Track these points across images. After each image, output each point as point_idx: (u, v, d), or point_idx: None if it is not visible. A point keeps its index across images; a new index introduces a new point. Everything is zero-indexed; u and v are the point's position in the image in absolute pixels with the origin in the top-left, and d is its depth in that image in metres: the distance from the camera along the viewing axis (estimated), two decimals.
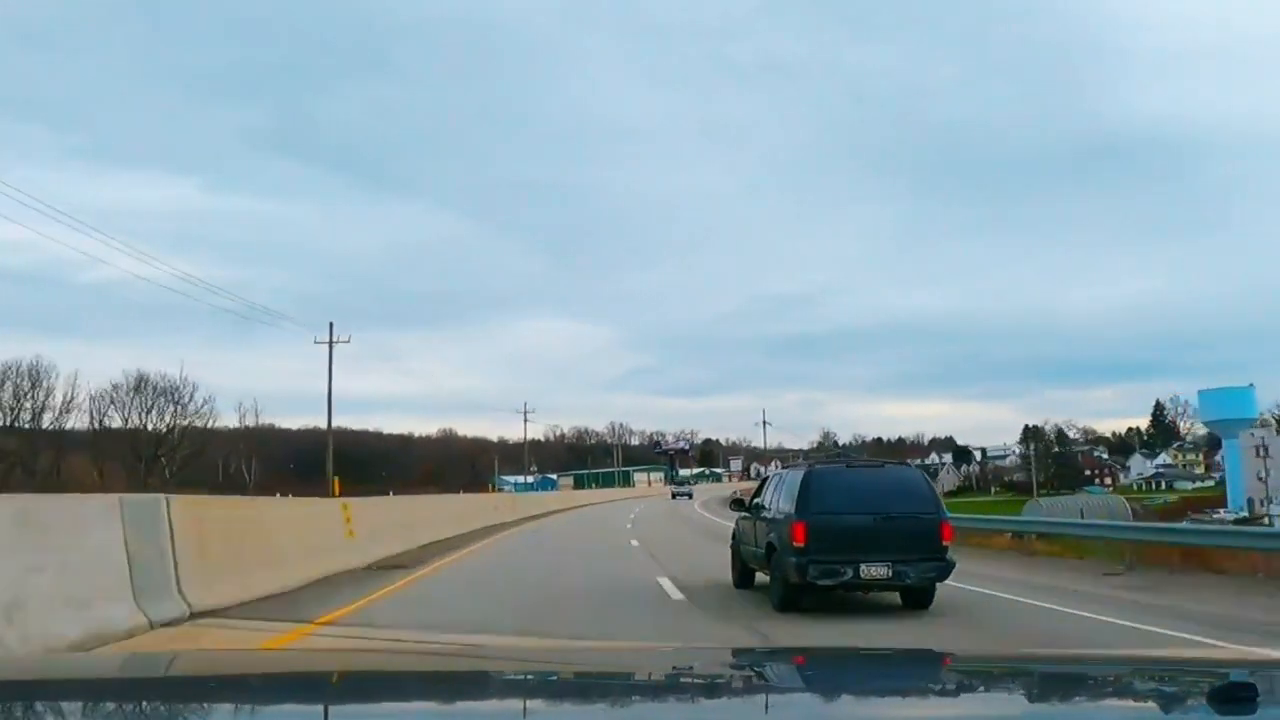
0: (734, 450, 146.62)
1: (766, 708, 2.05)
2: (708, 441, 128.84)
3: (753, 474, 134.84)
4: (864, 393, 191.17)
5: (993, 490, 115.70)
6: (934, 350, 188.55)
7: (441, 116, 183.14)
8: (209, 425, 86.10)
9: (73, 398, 77.97)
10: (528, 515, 41.82)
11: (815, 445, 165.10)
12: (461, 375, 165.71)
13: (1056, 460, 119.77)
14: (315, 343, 50.79)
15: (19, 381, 75.42)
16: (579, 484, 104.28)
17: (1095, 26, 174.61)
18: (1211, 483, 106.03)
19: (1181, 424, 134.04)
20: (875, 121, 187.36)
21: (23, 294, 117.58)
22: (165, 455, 78.25)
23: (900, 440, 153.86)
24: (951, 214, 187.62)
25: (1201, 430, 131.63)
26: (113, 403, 79.69)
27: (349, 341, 51.44)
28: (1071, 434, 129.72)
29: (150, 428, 78.90)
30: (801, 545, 11.34)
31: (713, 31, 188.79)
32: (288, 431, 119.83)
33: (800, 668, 2.62)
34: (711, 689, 2.27)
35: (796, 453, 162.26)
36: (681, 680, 2.35)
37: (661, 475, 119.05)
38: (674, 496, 74.79)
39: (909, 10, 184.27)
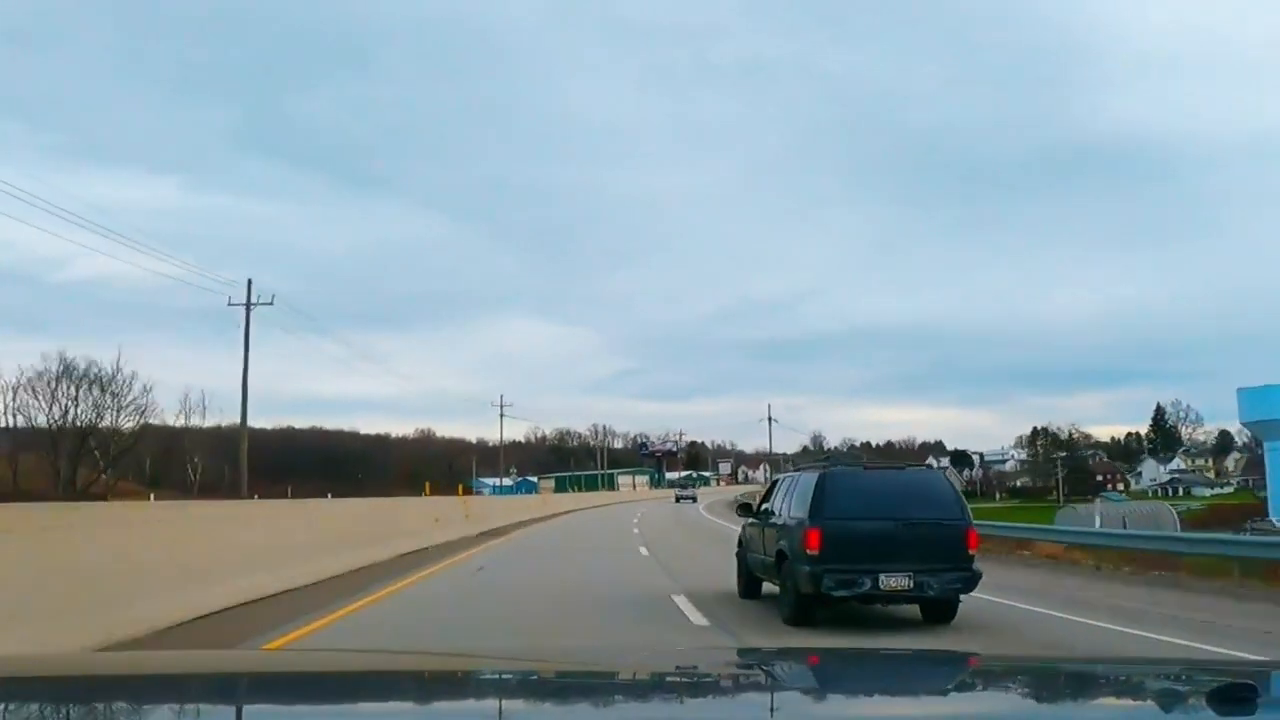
0: (722, 453, 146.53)
1: (772, 709, 2.04)
2: (693, 444, 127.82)
3: (740, 478, 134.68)
4: (844, 397, 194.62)
5: (998, 496, 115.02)
6: (913, 355, 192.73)
7: (423, 116, 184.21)
8: (177, 424, 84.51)
9: None
10: (491, 528, 31.22)
11: (802, 449, 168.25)
12: (441, 376, 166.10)
13: (1066, 465, 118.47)
14: (229, 304, 42.52)
15: None
16: (560, 487, 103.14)
17: (1075, 32, 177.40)
18: (1231, 488, 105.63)
19: (1183, 429, 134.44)
20: (855, 125, 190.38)
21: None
22: (99, 451, 71.73)
23: (890, 444, 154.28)
24: (931, 219, 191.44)
25: (1204, 435, 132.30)
26: (35, 393, 72.45)
27: (271, 303, 43.03)
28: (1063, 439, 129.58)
29: (81, 422, 71.68)
30: (815, 553, 10.73)
31: (694, 33, 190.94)
32: (261, 431, 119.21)
33: (815, 667, 2.67)
34: (725, 688, 2.33)
35: (784, 457, 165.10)
36: (693, 680, 2.38)
37: (647, 478, 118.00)
38: (678, 500, 74.10)
39: (889, 15, 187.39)
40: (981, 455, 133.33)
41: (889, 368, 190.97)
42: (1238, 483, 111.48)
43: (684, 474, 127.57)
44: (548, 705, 2.14)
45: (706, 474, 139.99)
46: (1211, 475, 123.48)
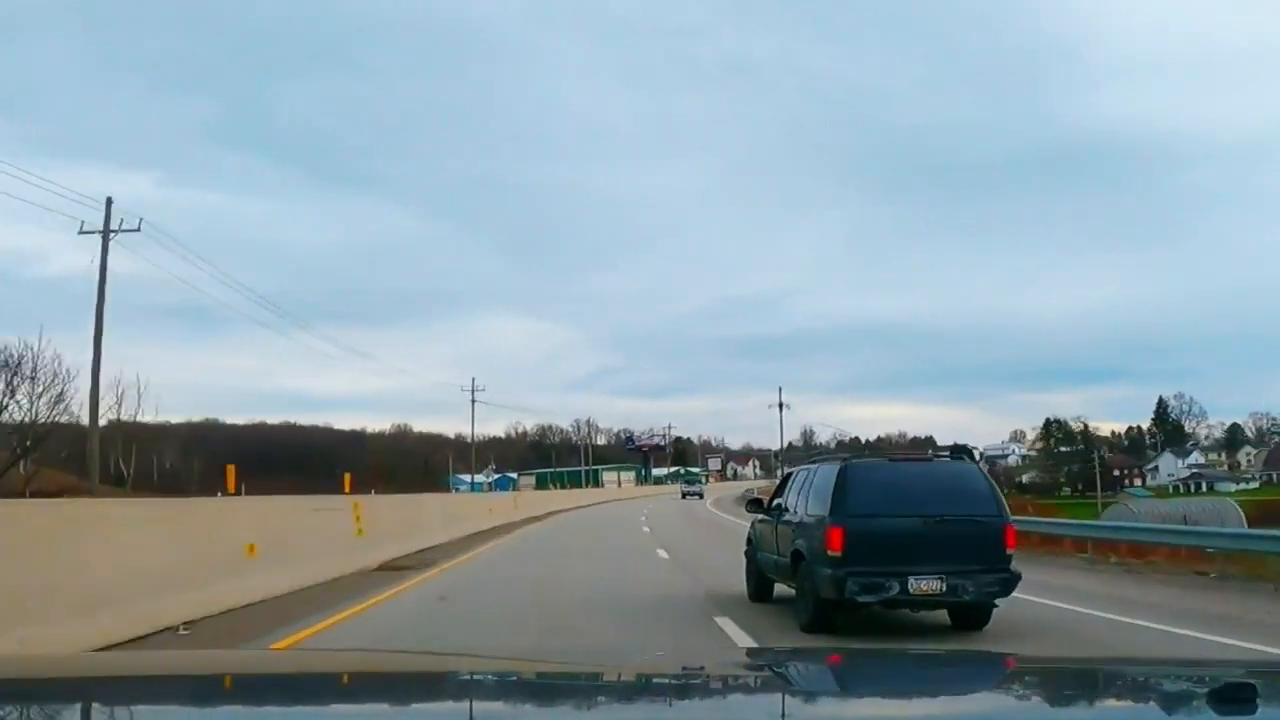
0: (710, 449, 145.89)
1: (783, 712, 2.07)
2: (679, 440, 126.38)
3: (729, 474, 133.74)
4: (826, 395, 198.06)
5: (1007, 492, 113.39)
6: (894, 353, 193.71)
7: (403, 112, 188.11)
8: (144, 420, 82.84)
9: None
10: (421, 547, 20.86)
11: (787, 445, 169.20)
12: (421, 373, 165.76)
13: (1079, 461, 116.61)
14: (80, 233, 32.79)
15: None
16: (541, 484, 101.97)
17: (1058, 32, 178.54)
18: (1254, 484, 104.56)
19: (1186, 423, 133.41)
20: (838, 124, 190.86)
21: None
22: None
23: (880, 440, 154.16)
24: (914, 217, 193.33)
25: (1206, 429, 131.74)
26: None
27: (138, 230, 33.72)
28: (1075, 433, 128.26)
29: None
30: (838, 554, 9.94)
31: (676, 31, 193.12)
32: (233, 427, 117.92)
33: (836, 667, 2.69)
34: (747, 690, 2.35)
35: (769, 453, 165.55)
36: (705, 682, 2.41)
37: (633, 475, 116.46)
38: (684, 496, 73.42)
39: (871, 14, 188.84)
40: (981, 451, 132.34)
41: (870, 366, 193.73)
42: (1260, 478, 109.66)
43: (672, 470, 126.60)
44: (556, 705, 2.14)
45: (695, 470, 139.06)
46: (1225, 470, 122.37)
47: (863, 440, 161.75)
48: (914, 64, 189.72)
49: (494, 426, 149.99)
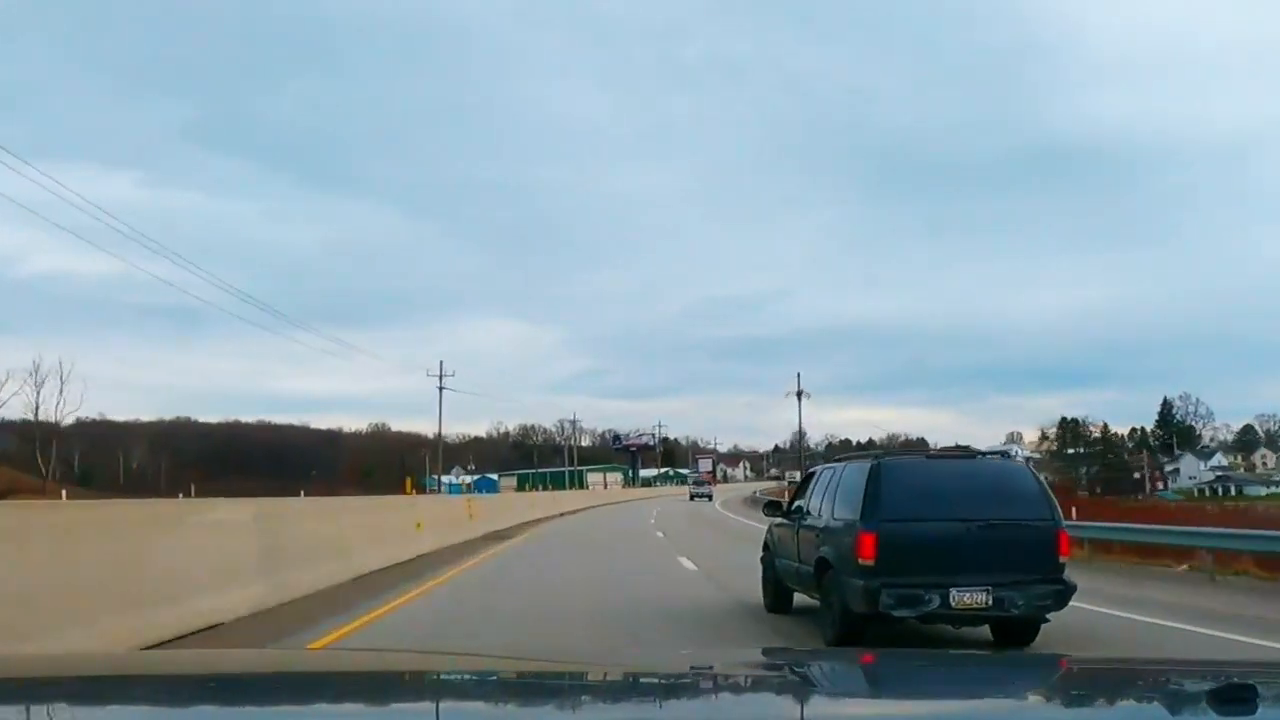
0: (700, 450, 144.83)
1: (802, 713, 2.09)
2: (665, 440, 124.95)
3: (720, 475, 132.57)
4: (809, 397, 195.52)
5: None
6: (877, 355, 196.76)
7: (388, 114, 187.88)
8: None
9: None
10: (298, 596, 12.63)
11: (774, 448, 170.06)
12: (403, 374, 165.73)
13: (1099, 462, 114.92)
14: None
15: None
16: (522, 485, 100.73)
17: (1043, 33, 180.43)
18: None
19: (1196, 425, 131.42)
20: (823, 124, 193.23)
21: None
22: None
23: (871, 442, 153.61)
24: (898, 219, 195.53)
25: (1212, 431, 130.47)
26: None
27: None
28: (1052, 435, 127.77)
29: None
30: (870, 563, 9.07)
31: (662, 32, 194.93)
32: (206, 426, 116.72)
33: (868, 667, 2.72)
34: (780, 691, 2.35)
35: (759, 454, 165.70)
36: (730, 683, 2.39)
37: (620, 476, 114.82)
38: (692, 498, 72.17)
39: (857, 14, 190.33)
40: (983, 452, 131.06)
41: (852, 369, 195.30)
42: None
43: (661, 471, 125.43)
44: (568, 706, 2.15)
45: (684, 471, 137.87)
46: (1244, 472, 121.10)
47: (853, 442, 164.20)
48: (900, 64, 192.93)
49: (475, 426, 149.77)
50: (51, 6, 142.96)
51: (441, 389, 71.24)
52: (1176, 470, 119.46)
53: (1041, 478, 9.98)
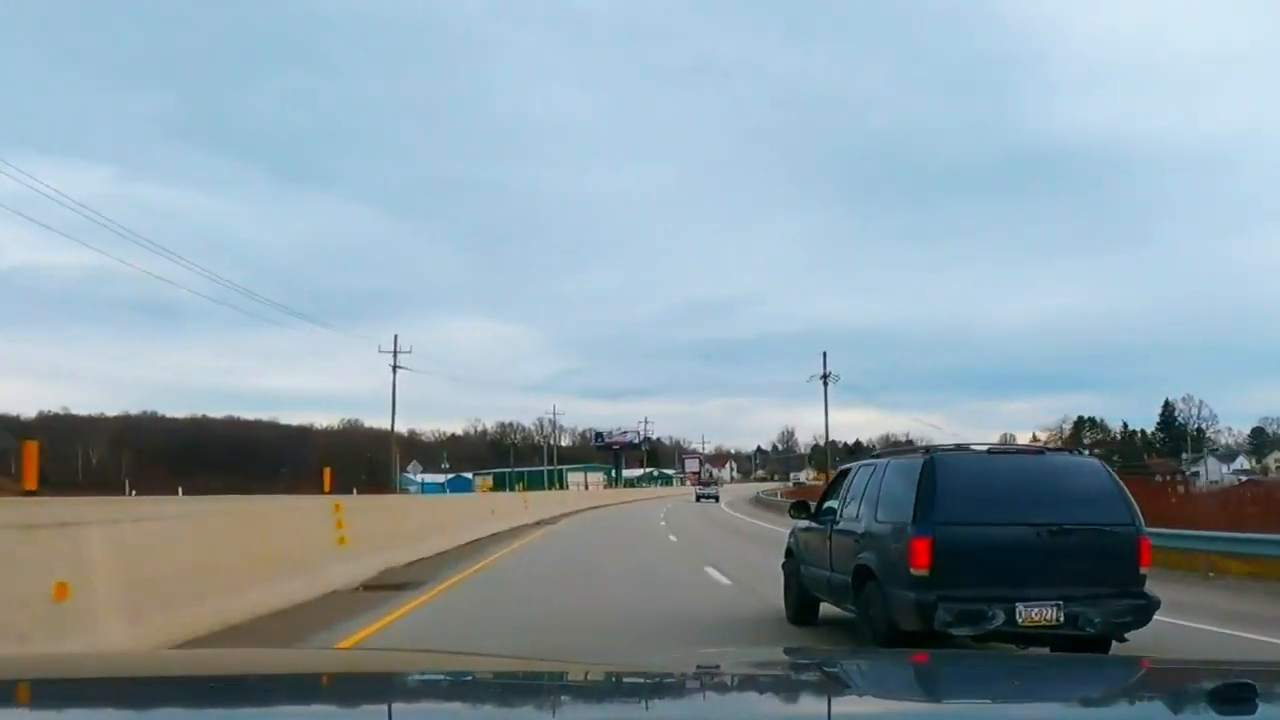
0: (686, 451, 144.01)
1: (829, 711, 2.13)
2: (647, 440, 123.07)
3: (707, 475, 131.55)
4: (785, 400, 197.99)
5: None
6: (855, 358, 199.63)
7: (365, 110, 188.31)
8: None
9: None
10: None
11: (757, 449, 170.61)
12: (377, 374, 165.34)
13: (1123, 464, 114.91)
14: None
15: None
16: (499, 484, 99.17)
17: (1024, 39, 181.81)
18: None
19: (1202, 426, 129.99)
20: (804, 127, 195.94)
21: None
22: None
23: (858, 444, 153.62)
24: (880, 222, 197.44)
25: (1214, 434, 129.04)
26: None
27: None
28: (1043, 437, 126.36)
29: None
30: (924, 572, 8.03)
31: (644, 32, 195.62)
32: (173, 421, 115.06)
33: (922, 667, 2.74)
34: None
35: (752, 457, 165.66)
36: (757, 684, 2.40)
37: (602, 476, 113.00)
38: (698, 499, 70.61)
39: (839, 17, 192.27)
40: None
41: (836, 371, 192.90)
42: None
43: (645, 471, 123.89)
44: (570, 706, 2.16)
45: (669, 471, 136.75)
46: (1266, 475, 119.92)
47: (839, 444, 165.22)
48: (882, 69, 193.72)
49: (452, 424, 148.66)
50: None
51: (395, 368, 62.43)
52: (1197, 473, 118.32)
53: (1117, 476, 8.92)
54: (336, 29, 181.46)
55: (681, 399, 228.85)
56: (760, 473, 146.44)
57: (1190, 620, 11.05)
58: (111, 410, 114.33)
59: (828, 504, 10.45)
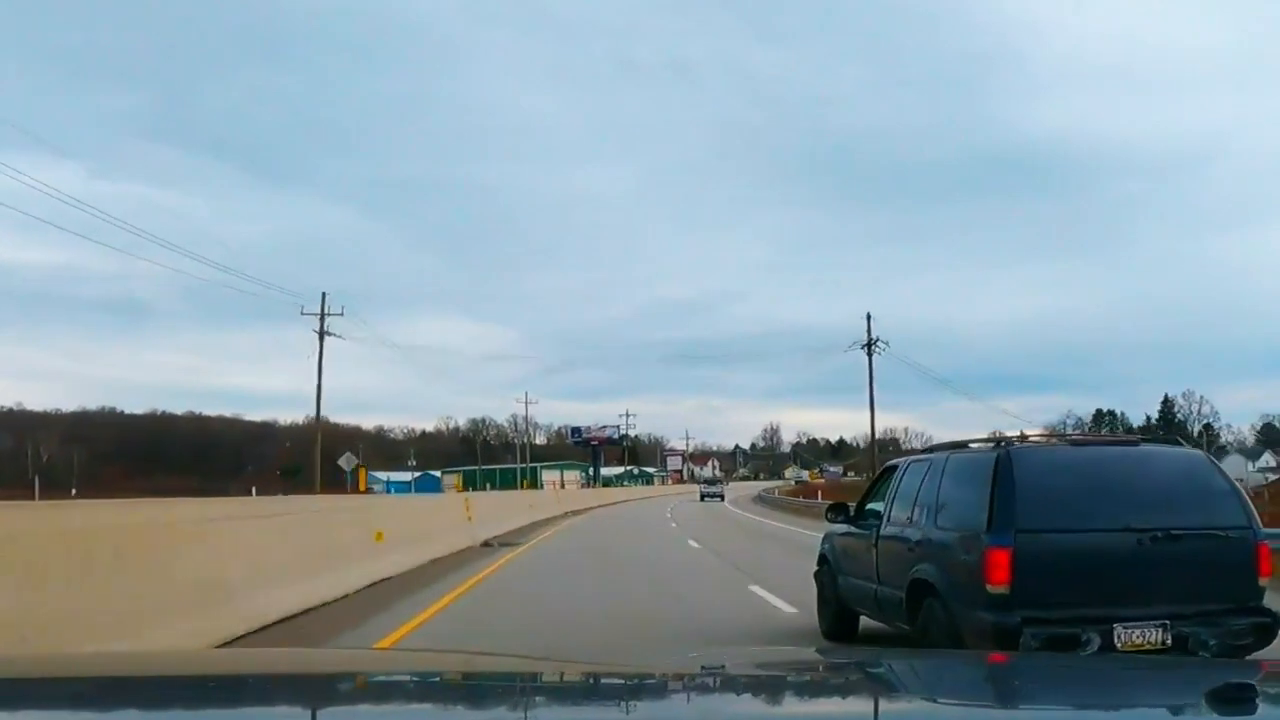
0: (670, 450, 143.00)
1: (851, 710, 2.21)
2: (625, 437, 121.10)
3: (688, 475, 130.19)
4: (761, 400, 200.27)
5: None
6: (828, 360, 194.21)
7: (335, 108, 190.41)
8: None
9: None
10: None
11: (734, 447, 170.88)
12: (349, 374, 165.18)
13: None
14: None
15: None
16: (469, 483, 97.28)
17: (1000, 39, 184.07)
18: None
19: (1204, 423, 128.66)
20: (778, 127, 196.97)
21: None
22: None
23: (841, 442, 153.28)
24: (851, 223, 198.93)
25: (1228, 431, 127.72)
26: None
27: None
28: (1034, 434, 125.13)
29: None
30: (1003, 590, 6.86)
31: (616, 30, 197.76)
32: (131, 418, 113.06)
33: (998, 668, 2.79)
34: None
35: (722, 454, 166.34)
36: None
37: (580, 474, 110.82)
38: (703, 498, 68.83)
39: (813, 16, 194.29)
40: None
41: (803, 372, 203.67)
42: None
43: (626, 469, 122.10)
44: (573, 706, 2.18)
45: (650, 470, 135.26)
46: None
47: (820, 442, 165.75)
48: (856, 68, 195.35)
49: (423, 420, 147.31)
50: None
51: (323, 334, 49.72)
52: None
53: (1225, 471, 7.73)
54: (304, 27, 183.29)
55: (657, 399, 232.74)
56: (743, 471, 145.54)
57: None
58: (69, 407, 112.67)
59: (870, 505, 9.26)
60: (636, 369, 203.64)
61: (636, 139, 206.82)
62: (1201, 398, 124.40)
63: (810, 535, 19.77)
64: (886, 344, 53.31)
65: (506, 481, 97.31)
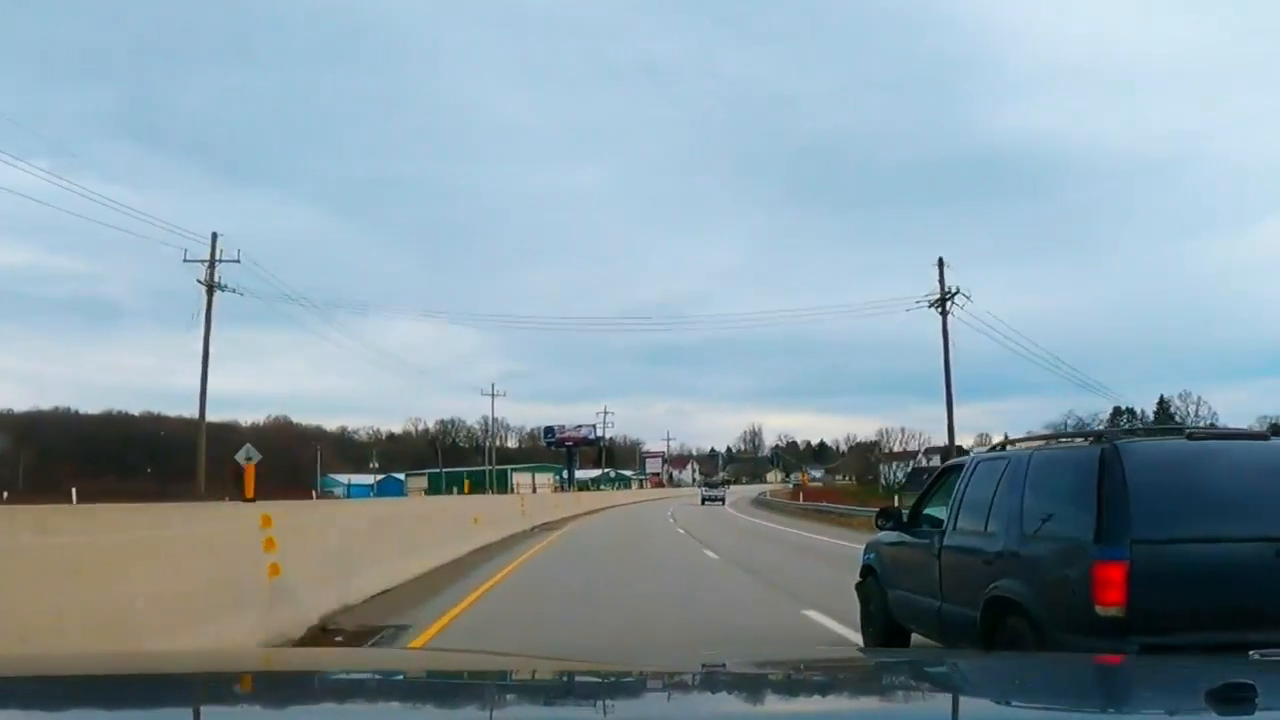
0: (649, 453, 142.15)
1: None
2: (602, 438, 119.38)
3: (668, 477, 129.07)
4: (732, 403, 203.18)
5: None
6: (799, 362, 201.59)
7: (305, 107, 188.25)
8: None
9: None
10: None
11: (710, 451, 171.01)
12: (320, 376, 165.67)
13: None
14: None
15: None
16: (435, 486, 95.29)
17: (973, 41, 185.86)
18: None
19: (1208, 424, 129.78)
20: (751, 128, 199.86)
21: None
22: None
23: (822, 445, 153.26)
24: (824, 225, 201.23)
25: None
26: None
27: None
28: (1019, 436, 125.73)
29: None
30: (1117, 611, 5.83)
31: (591, 30, 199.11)
32: (86, 418, 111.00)
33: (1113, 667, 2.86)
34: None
35: (723, 456, 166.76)
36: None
37: (552, 477, 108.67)
38: (704, 501, 67.89)
39: (787, 18, 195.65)
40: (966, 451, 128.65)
41: (773, 376, 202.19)
42: None
43: (603, 471, 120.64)
44: (575, 706, 2.16)
45: (627, 473, 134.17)
46: None
47: (799, 445, 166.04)
48: (829, 70, 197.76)
49: (393, 422, 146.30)
50: None
51: (211, 286, 41.66)
52: None
53: None
54: (273, 23, 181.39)
55: (629, 401, 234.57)
56: (724, 474, 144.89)
57: None
58: (22, 407, 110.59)
59: (928, 510, 8.17)
60: (608, 371, 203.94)
61: (612, 139, 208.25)
62: (1199, 398, 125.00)
63: (838, 546, 19.94)
64: (968, 296, 41.58)
65: (477, 485, 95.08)
